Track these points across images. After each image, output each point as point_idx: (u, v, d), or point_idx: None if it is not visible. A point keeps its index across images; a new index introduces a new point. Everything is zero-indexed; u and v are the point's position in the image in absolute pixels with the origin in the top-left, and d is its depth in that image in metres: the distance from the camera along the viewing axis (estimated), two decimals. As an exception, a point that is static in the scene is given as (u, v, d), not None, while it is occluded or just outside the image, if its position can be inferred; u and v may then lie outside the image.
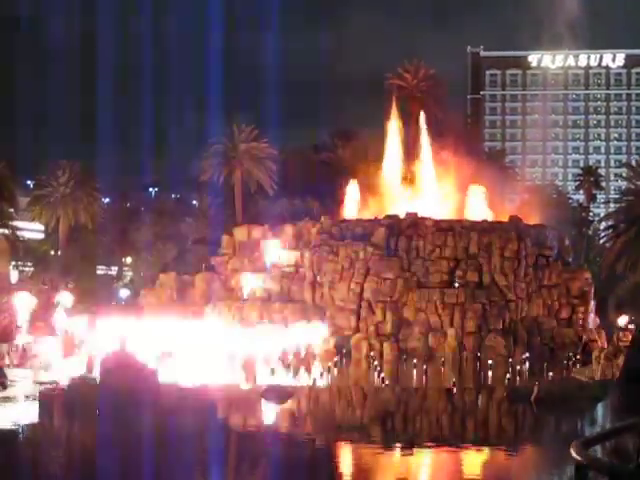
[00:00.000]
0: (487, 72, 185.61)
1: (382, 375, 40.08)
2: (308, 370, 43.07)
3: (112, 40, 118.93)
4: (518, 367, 44.38)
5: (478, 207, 63.19)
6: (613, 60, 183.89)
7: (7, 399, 31.82)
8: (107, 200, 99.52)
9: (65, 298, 54.01)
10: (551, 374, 41.35)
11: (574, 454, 10.41)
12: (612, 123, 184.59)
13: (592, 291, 58.02)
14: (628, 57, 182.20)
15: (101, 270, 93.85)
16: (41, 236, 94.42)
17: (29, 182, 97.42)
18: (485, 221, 60.39)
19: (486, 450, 24.62)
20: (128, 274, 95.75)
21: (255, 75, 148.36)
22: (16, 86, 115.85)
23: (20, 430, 26.62)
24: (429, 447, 24.59)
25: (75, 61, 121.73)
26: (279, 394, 32.51)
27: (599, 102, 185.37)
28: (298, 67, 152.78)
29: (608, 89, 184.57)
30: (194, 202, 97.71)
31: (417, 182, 67.43)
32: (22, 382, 35.63)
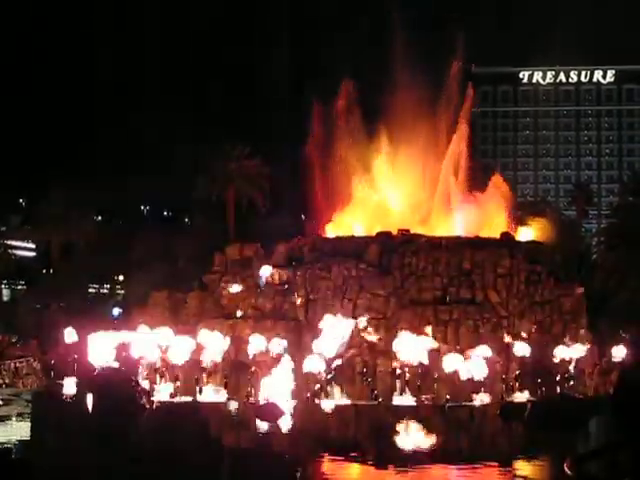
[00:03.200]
0: (478, 89, 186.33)
1: (375, 392, 39.97)
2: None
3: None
4: (511, 384, 44.32)
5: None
6: (604, 76, 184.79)
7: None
8: (99, 218, 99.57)
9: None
10: (544, 390, 41.32)
11: (568, 471, 10.40)
12: (603, 139, 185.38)
13: (584, 307, 57.93)
14: (619, 73, 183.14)
15: (93, 288, 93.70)
16: (33, 254, 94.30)
17: (21, 200, 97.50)
18: (477, 237, 60.40)
19: (478, 467, 24.54)
20: (120, 292, 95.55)
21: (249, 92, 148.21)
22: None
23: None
24: (421, 466, 24.50)
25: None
26: (272, 412, 32.39)
27: (590, 118, 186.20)
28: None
29: (599, 105, 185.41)
30: (186, 220, 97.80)
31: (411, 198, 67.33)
32: (14, 401, 35.44)
